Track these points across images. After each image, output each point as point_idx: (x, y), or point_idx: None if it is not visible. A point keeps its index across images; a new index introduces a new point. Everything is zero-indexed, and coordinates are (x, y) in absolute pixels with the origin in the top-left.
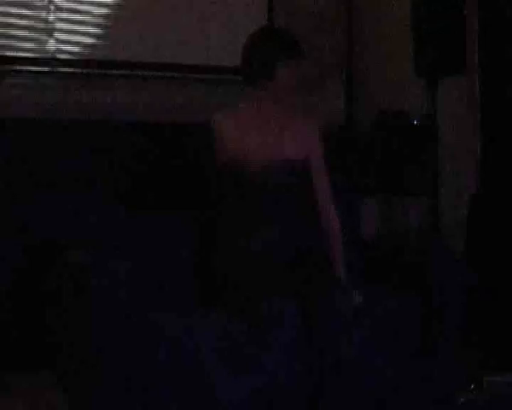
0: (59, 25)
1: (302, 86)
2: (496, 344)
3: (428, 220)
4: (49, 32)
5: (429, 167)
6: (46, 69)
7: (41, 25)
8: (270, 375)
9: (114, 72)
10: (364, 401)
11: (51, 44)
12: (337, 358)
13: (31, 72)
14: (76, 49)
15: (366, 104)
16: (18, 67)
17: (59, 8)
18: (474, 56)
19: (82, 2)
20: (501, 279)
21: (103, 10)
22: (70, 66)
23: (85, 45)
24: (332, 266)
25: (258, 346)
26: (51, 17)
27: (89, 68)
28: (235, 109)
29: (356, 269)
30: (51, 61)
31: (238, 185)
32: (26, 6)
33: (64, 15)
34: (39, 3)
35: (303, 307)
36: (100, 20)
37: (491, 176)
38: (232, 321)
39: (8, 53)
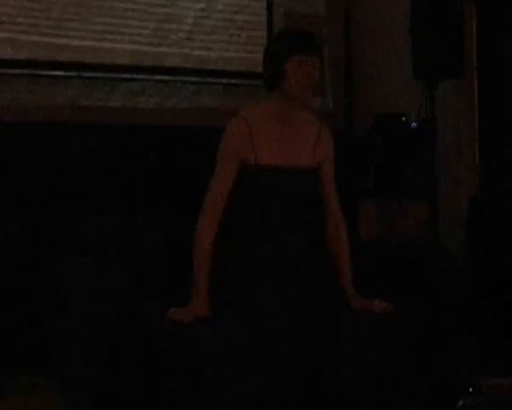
0: None
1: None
2: (494, 348)
3: (427, 223)
4: None
5: (428, 170)
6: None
7: None
8: (269, 380)
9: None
10: (362, 405)
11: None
12: (335, 359)
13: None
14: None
15: (365, 107)
16: None
17: None
18: (473, 60)
19: None
20: (500, 282)
21: None
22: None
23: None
24: (339, 277)
25: (258, 352)
26: None
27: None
28: (250, 112)
29: (355, 273)
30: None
31: (251, 191)
32: None
33: None
34: None
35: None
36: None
37: (489, 179)
38: (234, 326)
39: None
